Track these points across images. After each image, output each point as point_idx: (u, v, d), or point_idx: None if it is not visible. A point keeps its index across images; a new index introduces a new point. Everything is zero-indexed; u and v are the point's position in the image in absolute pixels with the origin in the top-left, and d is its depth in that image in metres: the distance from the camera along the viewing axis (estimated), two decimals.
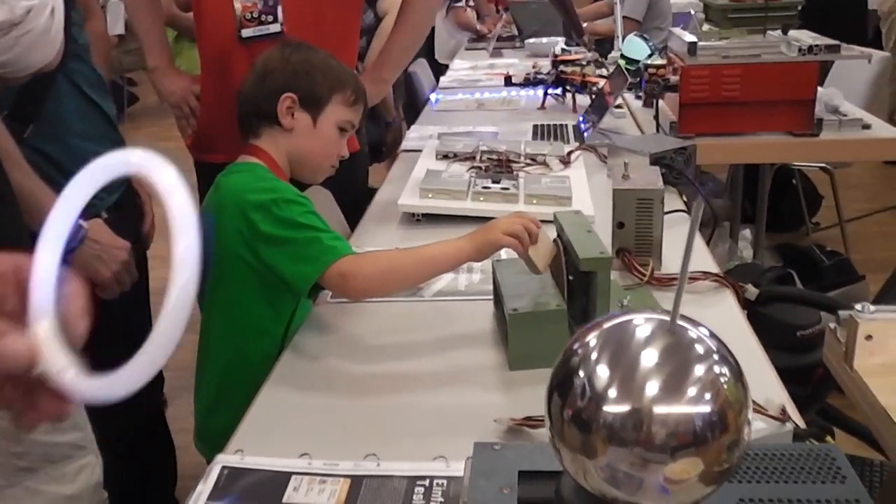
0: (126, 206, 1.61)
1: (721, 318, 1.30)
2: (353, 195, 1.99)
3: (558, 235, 1.20)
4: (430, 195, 1.75)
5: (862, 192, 4.07)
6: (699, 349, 0.40)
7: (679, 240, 1.61)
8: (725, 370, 0.39)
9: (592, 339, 0.41)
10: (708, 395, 0.38)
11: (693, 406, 0.38)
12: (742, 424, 0.39)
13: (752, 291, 1.44)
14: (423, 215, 1.74)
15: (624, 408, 0.38)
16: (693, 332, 0.40)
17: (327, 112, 1.42)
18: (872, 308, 1.10)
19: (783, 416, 0.96)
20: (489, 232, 1.17)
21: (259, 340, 1.30)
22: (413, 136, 2.45)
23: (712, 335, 0.41)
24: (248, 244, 1.25)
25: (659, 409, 0.38)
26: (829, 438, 0.96)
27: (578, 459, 0.40)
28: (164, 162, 0.48)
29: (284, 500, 0.88)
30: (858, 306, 1.10)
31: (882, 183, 4.28)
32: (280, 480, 0.90)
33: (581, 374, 0.40)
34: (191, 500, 0.89)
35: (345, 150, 1.47)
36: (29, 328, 0.49)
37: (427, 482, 0.89)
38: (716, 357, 0.40)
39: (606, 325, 0.41)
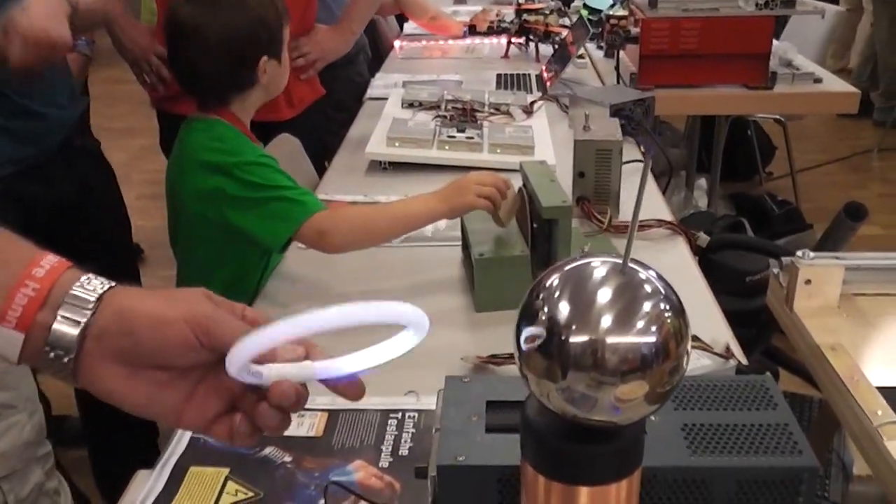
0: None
1: (673, 263, 1.38)
2: (322, 141, 2.03)
3: (523, 184, 1.26)
4: (396, 143, 1.79)
5: (814, 144, 4.19)
6: (647, 288, 0.46)
7: (636, 188, 1.69)
8: (669, 307, 0.45)
9: (555, 279, 0.47)
10: (653, 328, 0.44)
11: (640, 337, 0.44)
12: (682, 353, 0.45)
13: (703, 239, 1.52)
14: (390, 163, 1.78)
15: (581, 338, 0.44)
16: (642, 274, 0.46)
17: (284, 44, 1.41)
18: (812, 255, 1.18)
19: (728, 354, 1.04)
20: (463, 194, 1.20)
21: (233, 291, 1.34)
22: (378, 83, 2.47)
23: (659, 277, 0.47)
24: (211, 204, 1.27)
25: (611, 339, 0.44)
26: (768, 374, 1.04)
27: (542, 383, 0.46)
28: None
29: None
30: (799, 253, 1.18)
31: (834, 134, 4.39)
32: None
33: (545, 309, 0.46)
34: (174, 440, 0.94)
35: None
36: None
37: (399, 415, 0.96)
38: (661, 295, 0.46)
39: (567, 268, 0.47)
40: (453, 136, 1.81)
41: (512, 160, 1.74)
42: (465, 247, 1.28)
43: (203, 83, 1.36)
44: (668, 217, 1.50)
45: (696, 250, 1.48)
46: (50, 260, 0.54)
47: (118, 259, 1.69)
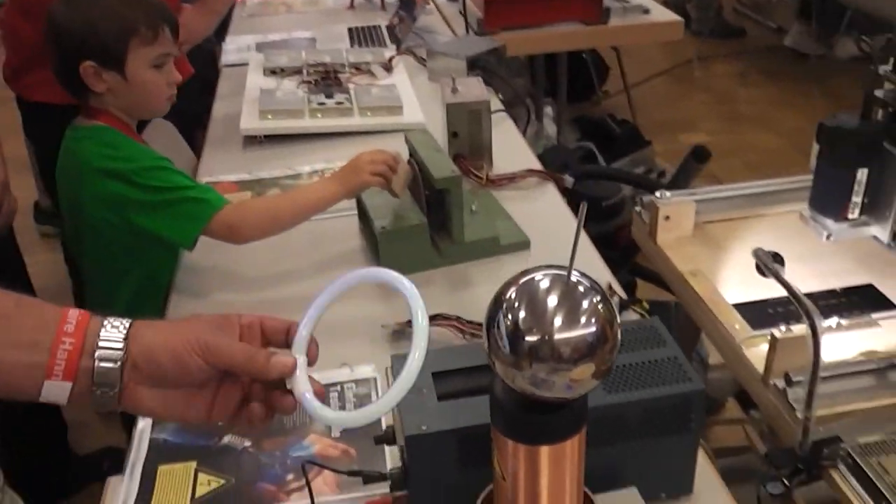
0: None
1: (547, 208, 1.53)
2: (195, 119, 2.03)
3: (411, 155, 1.36)
4: (269, 116, 1.83)
5: (641, 60, 4.46)
6: (581, 289, 0.59)
7: (502, 139, 1.82)
8: (600, 300, 0.58)
9: (512, 291, 0.59)
10: (593, 320, 0.57)
11: (584, 329, 0.57)
12: (615, 334, 0.59)
13: (569, 181, 1.68)
14: (266, 136, 1.83)
15: (538, 336, 0.56)
16: (575, 278, 0.59)
17: (130, 62, 1.33)
18: (668, 194, 1.36)
19: (611, 293, 1.20)
20: (357, 174, 1.29)
21: (147, 290, 1.38)
22: (231, 48, 2.46)
23: (589, 279, 0.60)
24: (113, 209, 1.29)
25: (561, 335, 0.57)
26: (643, 303, 1.22)
27: (509, 371, 0.58)
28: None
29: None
30: (658, 193, 1.36)
31: (657, 49, 4.69)
32: None
33: (509, 315, 0.57)
34: (136, 432, 1.01)
35: (175, 77, 1.41)
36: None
37: (339, 387, 1.07)
38: (594, 293, 0.59)
39: (520, 281, 0.59)
40: (323, 104, 1.87)
41: (383, 122, 1.83)
42: (363, 217, 1.38)
43: (57, 79, 1.36)
44: (537, 166, 1.65)
45: (564, 191, 1.64)
46: (73, 315, 0.64)
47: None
